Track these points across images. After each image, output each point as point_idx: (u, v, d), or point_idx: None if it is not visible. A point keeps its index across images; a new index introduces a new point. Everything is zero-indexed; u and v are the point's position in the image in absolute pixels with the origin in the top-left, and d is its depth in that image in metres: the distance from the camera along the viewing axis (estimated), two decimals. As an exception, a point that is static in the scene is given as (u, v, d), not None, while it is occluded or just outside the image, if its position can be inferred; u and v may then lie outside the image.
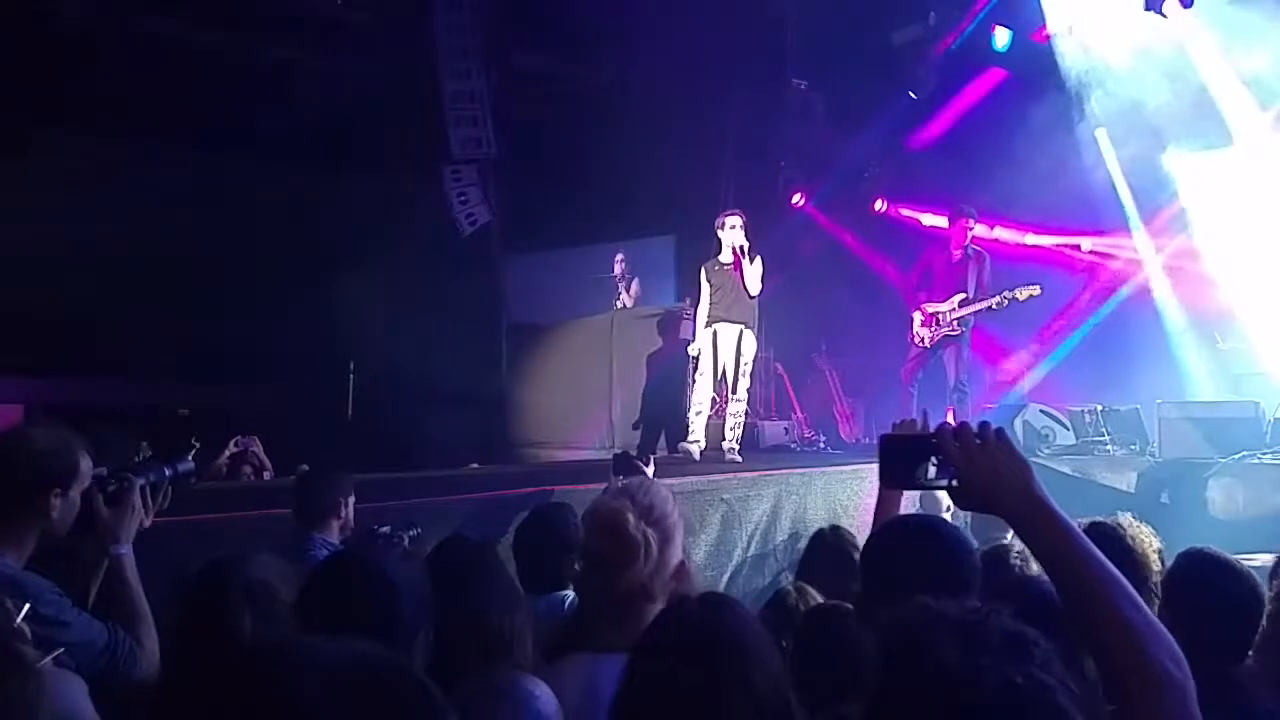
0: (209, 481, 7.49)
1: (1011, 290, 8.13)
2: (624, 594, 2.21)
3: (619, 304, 10.28)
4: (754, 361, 7.86)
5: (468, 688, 2.06)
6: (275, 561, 2.44)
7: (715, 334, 7.70)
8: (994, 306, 8.20)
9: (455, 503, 5.49)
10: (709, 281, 7.75)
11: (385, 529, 4.06)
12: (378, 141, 10.03)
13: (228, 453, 7.69)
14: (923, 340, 8.44)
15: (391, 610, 2.03)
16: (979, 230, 8.91)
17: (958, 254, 8.47)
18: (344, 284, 10.01)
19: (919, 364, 8.55)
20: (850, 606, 2.60)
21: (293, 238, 10.33)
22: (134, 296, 9.90)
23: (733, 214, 7.74)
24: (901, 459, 1.66)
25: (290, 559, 2.84)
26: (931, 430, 1.62)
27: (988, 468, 1.54)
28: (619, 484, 2.51)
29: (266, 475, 7.62)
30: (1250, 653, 2.56)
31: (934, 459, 1.60)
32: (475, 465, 7.92)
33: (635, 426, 8.72)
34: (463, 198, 10.49)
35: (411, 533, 4.08)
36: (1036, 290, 8.13)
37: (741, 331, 7.65)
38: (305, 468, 7.06)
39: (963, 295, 8.28)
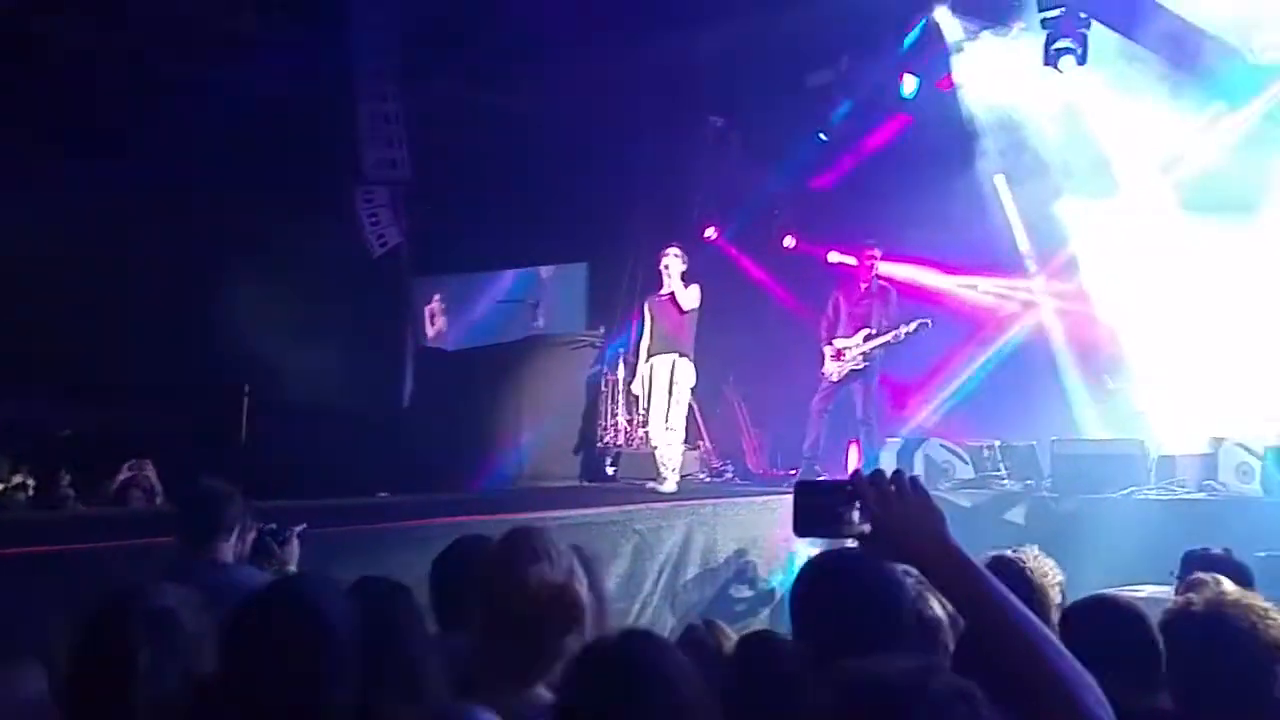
0: (98, 507, 7.24)
1: (904, 325, 8.47)
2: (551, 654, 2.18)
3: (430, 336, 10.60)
4: (689, 390, 8.01)
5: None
6: (180, 590, 2.35)
7: (652, 367, 7.95)
8: (892, 341, 8.52)
9: (364, 532, 5.41)
10: (650, 314, 7.95)
11: (271, 526, 3.99)
12: (288, 160, 9.81)
13: (120, 477, 7.44)
14: (832, 375, 8.69)
15: (323, 651, 1.95)
16: (886, 267, 9.27)
17: (863, 288, 8.83)
18: (247, 304, 9.76)
19: (829, 397, 8.82)
20: (781, 636, 2.56)
21: (194, 256, 10.02)
22: (16, 310, 9.48)
23: (669, 247, 8.02)
24: (816, 507, 1.61)
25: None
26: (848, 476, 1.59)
27: (903, 516, 1.52)
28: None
29: (158, 500, 7.40)
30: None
31: (848, 507, 1.55)
32: (385, 494, 7.77)
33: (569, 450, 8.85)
34: (374, 219, 10.36)
35: (299, 528, 4.03)
36: (928, 323, 8.52)
37: (675, 361, 7.85)
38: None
39: (867, 331, 8.55)
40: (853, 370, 8.62)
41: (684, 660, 1.87)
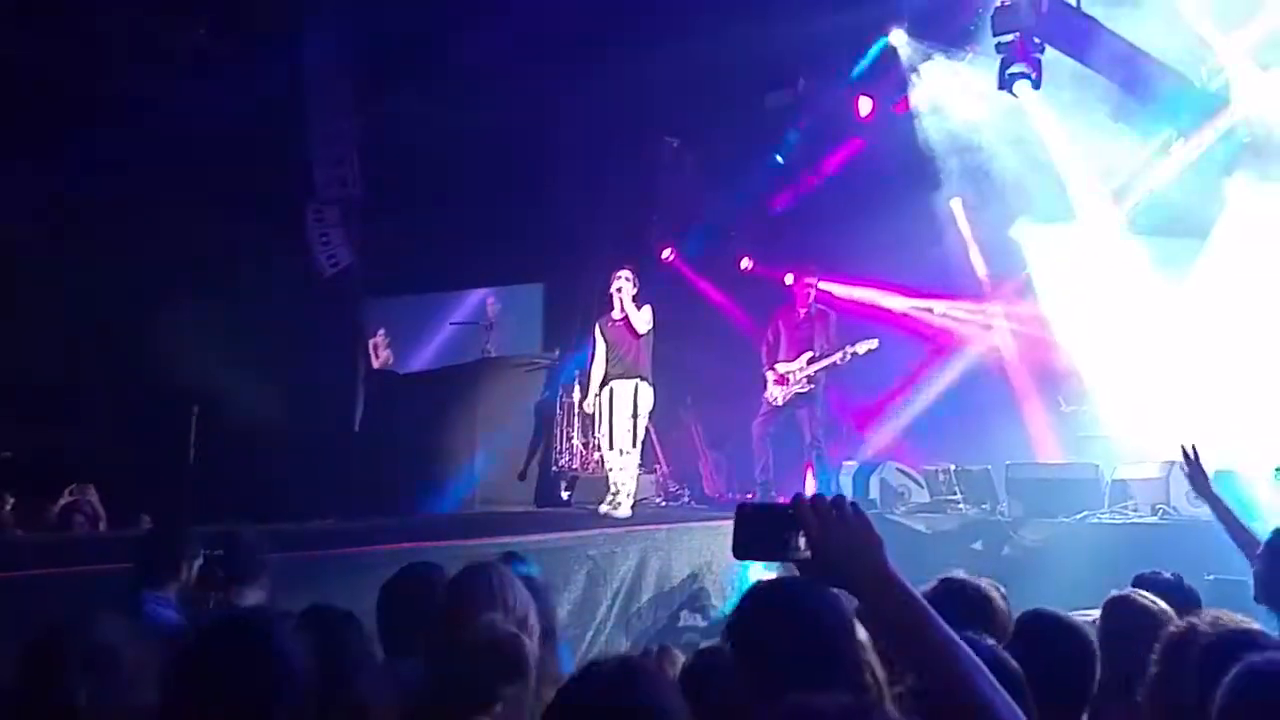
0: (39, 532, 7.07)
1: (852, 345, 8.53)
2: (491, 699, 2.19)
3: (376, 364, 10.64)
4: (649, 415, 8.02)
5: None
6: (120, 623, 2.33)
7: (611, 391, 7.81)
8: (838, 362, 8.58)
9: (313, 557, 5.30)
10: (604, 338, 7.88)
11: (218, 552, 3.92)
12: (237, 177, 9.64)
13: (62, 501, 7.32)
14: (776, 399, 8.76)
15: (275, 688, 1.92)
16: (835, 289, 9.33)
17: (802, 313, 8.93)
18: (195, 324, 9.57)
19: (770, 420, 8.89)
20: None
21: (142, 274, 9.82)
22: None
23: (623, 269, 7.99)
24: (756, 530, 1.60)
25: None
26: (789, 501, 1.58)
27: (843, 542, 1.51)
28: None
29: (101, 526, 7.26)
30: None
31: (790, 531, 1.54)
32: (331, 519, 7.63)
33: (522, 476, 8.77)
34: (325, 238, 10.18)
35: (217, 552, 3.95)
36: (874, 344, 8.61)
37: (637, 385, 7.85)
38: (147, 520, 6.73)
39: (810, 354, 8.61)
40: (798, 394, 8.68)
41: (676, 692, 1.87)
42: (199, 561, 3.85)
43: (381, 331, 10.90)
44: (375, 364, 10.56)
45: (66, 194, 9.36)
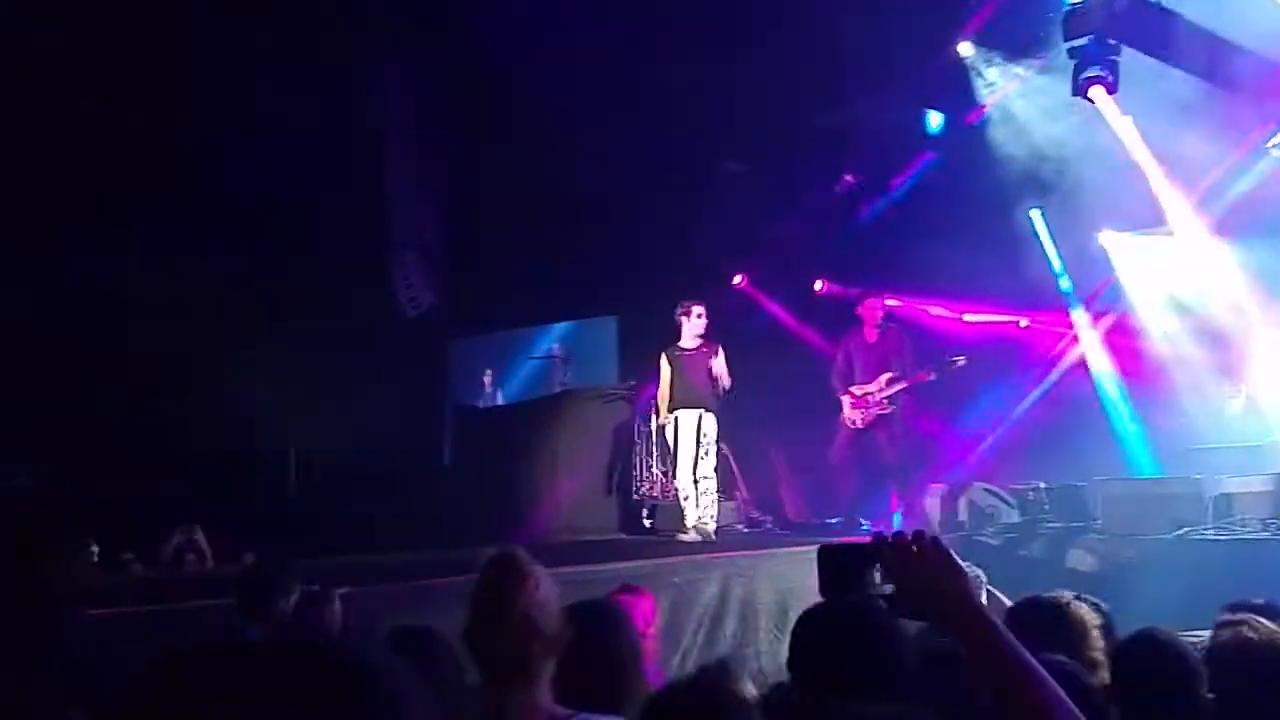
0: (154, 571, 7.46)
1: (939, 363, 8.30)
2: (514, 625, 2.17)
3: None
4: (716, 440, 8.01)
5: None
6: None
7: (676, 419, 7.93)
8: (925, 380, 8.39)
9: (407, 588, 5.41)
10: (670, 366, 7.92)
11: (315, 588, 4.09)
12: (320, 224, 9.97)
13: (174, 541, 7.80)
14: (854, 422, 8.57)
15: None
16: (922, 307, 9.14)
17: (873, 334, 8.68)
18: (288, 370, 9.86)
19: (850, 444, 8.67)
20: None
21: (234, 324, 10.16)
22: (67, 383, 9.63)
23: (696, 303, 8.01)
24: (841, 569, 1.67)
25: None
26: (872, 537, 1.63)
27: (924, 576, 1.55)
28: None
29: (208, 563, 7.71)
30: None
31: (871, 568, 1.61)
32: (423, 551, 7.76)
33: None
34: (407, 280, 10.45)
35: (341, 590, 4.13)
36: (961, 360, 8.36)
37: (701, 415, 7.88)
38: (250, 556, 6.99)
39: (889, 374, 8.40)
40: (878, 415, 8.46)
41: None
42: (295, 596, 3.99)
43: (489, 372, 11.15)
44: (483, 403, 10.86)
45: (155, 251, 9.70)
